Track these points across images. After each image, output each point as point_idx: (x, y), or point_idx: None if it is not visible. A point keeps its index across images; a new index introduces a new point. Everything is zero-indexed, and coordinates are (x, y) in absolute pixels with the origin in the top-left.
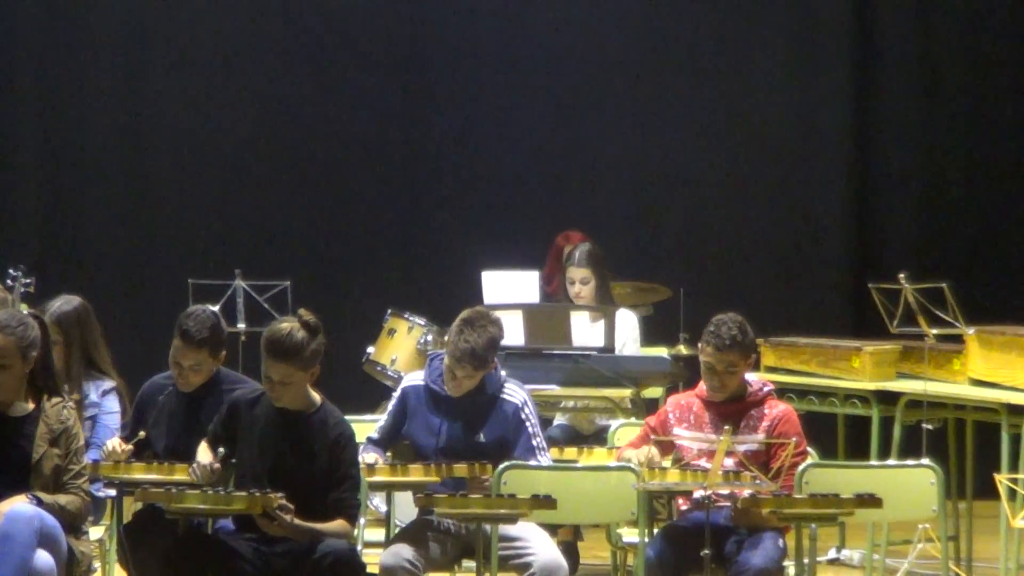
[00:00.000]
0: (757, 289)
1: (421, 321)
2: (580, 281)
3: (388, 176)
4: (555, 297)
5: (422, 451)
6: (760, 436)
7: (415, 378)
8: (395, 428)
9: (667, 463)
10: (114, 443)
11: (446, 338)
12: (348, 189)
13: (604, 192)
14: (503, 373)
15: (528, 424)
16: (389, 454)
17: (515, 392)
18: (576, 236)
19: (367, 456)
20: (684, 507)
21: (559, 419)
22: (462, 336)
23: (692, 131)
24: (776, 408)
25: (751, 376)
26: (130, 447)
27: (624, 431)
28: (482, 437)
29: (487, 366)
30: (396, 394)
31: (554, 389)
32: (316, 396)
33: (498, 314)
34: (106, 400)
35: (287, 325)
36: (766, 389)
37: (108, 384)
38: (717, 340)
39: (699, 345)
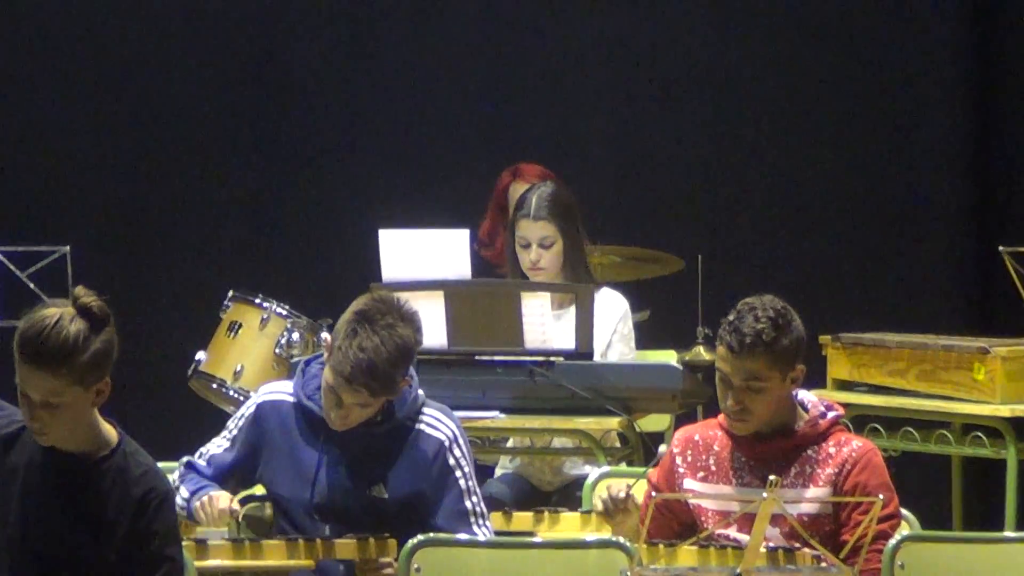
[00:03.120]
0: (820, 259)
1: (282, 310)
2: (538, 243)
3: (231, 88)
4: (498, 268)
5: (287, 511)
6: (823, 491)
7: (279, 389)
8: (239, 466)
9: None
10: None
11: (326, 339)
12: (164, 109)
13: (576, 106)
14: (420, 392)
15: (459, 474)
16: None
17: (440, 423)
18: (532, 171)
19: (216, 499)
20: None
21: (504, 467)
22: (355, 340)
23: (720, 15)
24: (849, 447)
25: (807, 395)
26: None
27: (609, 485)
28: (384, 491)
29: (394, 388)
30: (246, 412)
31: (497, 418)
32: (109, 431)
33: (411, 300)
34: None
35: (54, 312)
36: (831, 415)
37: None
38: (734, 336)
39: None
